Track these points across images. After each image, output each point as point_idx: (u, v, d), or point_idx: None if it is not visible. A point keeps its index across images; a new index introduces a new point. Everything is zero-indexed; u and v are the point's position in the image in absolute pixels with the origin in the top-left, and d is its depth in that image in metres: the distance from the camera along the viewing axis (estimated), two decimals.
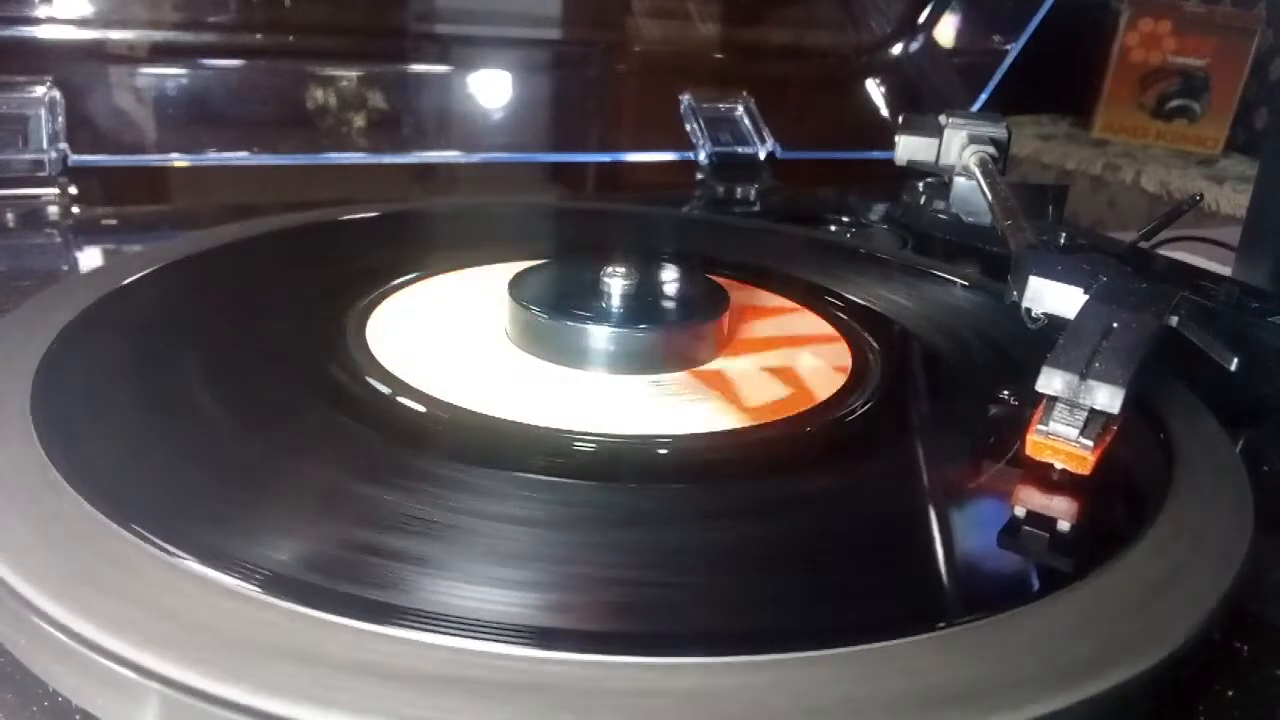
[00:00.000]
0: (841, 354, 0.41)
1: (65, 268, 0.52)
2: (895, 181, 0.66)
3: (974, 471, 0.33)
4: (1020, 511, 0.29)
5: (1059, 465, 0.30)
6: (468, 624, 0.22)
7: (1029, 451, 0.30)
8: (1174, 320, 0.32)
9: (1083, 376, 0.29)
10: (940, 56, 0.88)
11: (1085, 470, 0.30)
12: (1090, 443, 0.29)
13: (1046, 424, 0.30)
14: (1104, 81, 1.56)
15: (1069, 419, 0.30)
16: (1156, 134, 1.54)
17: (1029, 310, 0.35)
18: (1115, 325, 0.31)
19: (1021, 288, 0.35)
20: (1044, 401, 0.30)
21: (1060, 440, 0.30)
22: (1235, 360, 0.32)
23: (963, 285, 0.50)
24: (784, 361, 0.40)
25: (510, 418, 0.33)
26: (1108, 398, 0.29)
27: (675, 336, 0.38)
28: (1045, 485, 0.30)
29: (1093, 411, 0.30)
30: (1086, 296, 0.33)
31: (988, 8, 0.87)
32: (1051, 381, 0.30)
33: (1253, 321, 0.46)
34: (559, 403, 0.35)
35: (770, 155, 0.77)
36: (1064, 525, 0.29)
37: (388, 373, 0.35)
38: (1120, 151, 1.49)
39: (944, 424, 0.37)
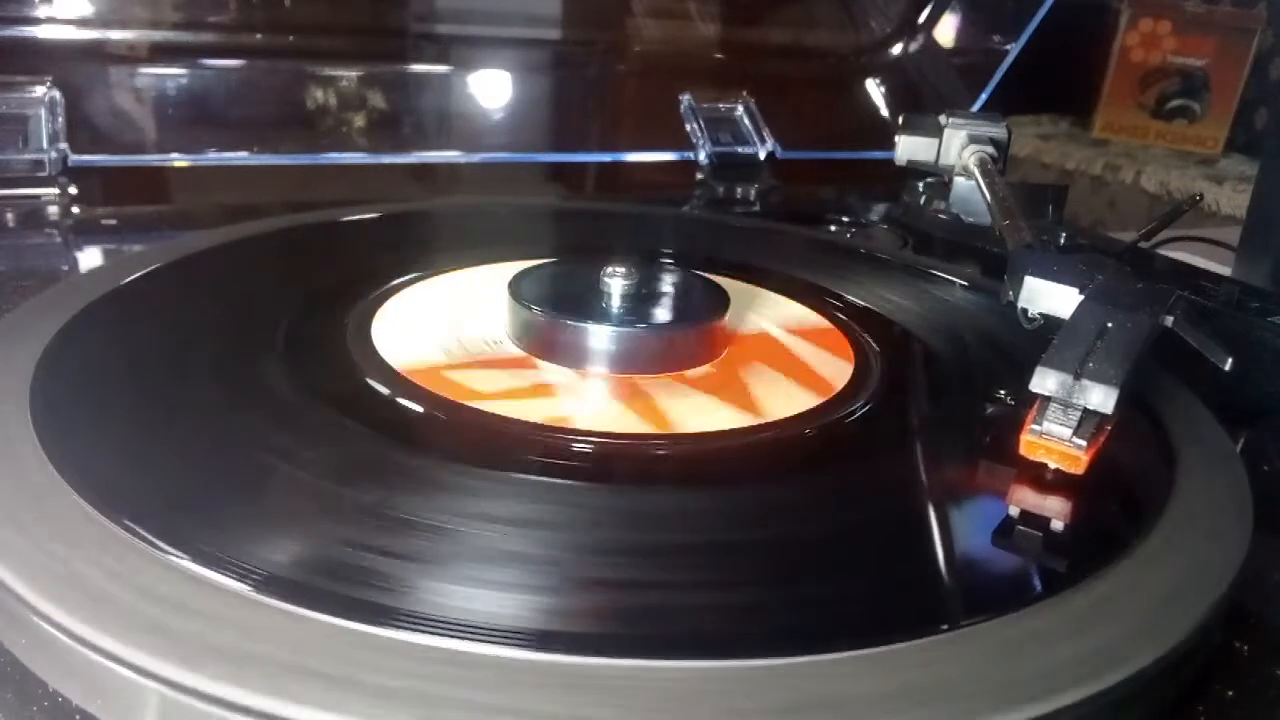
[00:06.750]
0: (841, 355, 0.41)
1: (65, 268, 0.52)
2: (895, 181, 0.66)
3: (969, 472, 0.33)
4: (1014, 511, 0.29)
5: (1052, 465, 0.30)
6: (465, 627, 0.22)
7: (1022, 451, 0.30)
8: (1169, 320, 0.32)
9: (1076, 376, 0.29)
10: (940, 56, 0.88)
11: (1078, 470, 0.30)
12: (1084, 442, 0.30)
13: (1040, 424, 0.30)
14: (1104, 81, 1.56)
15: (1062, 419, 0.30)
16: (1156, 134, 1.54)
17: (1025, 310, 0.35)
18: (1110, 325, 0.31)
19: (1017, 288, 0.35)
20: (1038, 401, 0.30)
21: (1054, 440, 0.30)
22: (1230, 360, 0.32)
23: (962, 286, 0.50)
24: (783, 362, 0.40)
25: (509, 417, 0.33)
26: (1101, 397, 0.29)
27: (675, 337, 0.38)
28: (1039, 485, 0.30)
29: (1086, 411, 0.30)
30: (1082, 296, 0.33)
31: (988, 8, 0.87)
32: (1045, 381, 0.30)
33: (1253, 321, 0.46)
34: (558, 403, 0.35)
35: (770, 155, 0.77)
36: (1058, 525, 0.29)
37: (387, 373, 0.35)
38: (1120, 151, 1.49)
39: (942, 425, 0.37)
